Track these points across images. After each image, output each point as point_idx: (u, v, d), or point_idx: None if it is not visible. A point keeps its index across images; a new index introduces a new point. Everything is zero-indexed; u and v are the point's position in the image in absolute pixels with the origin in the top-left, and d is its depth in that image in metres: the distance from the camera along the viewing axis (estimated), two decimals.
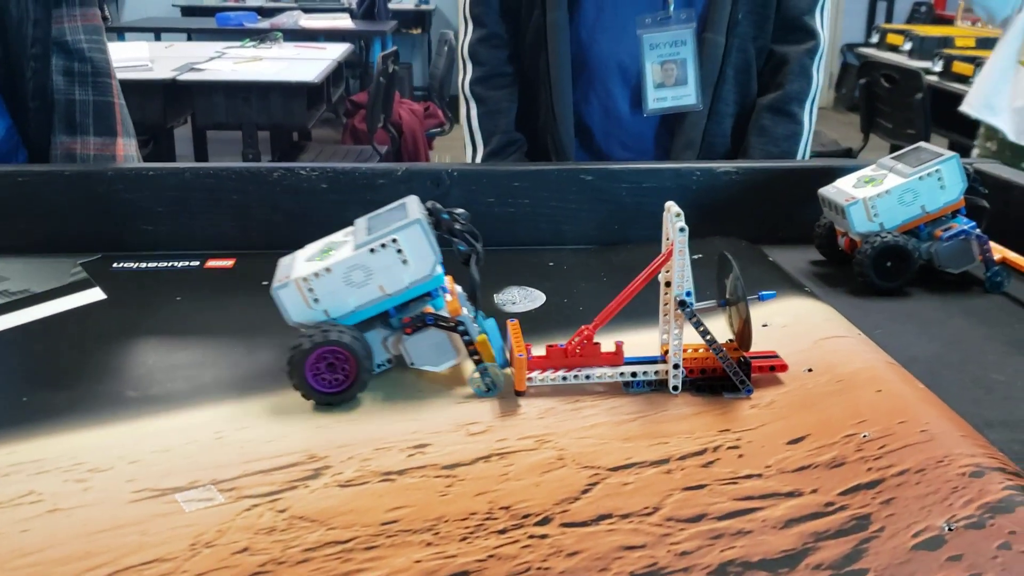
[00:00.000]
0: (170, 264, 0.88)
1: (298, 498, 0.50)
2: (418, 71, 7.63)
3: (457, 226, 0.64)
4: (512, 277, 0.85)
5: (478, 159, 1.31)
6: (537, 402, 0.61)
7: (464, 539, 0.47)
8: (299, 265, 0.63)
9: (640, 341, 0.66)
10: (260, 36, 4.40)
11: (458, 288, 0.67)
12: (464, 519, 0.48)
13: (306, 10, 6.11)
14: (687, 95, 1.21)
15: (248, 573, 0.44)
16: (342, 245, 0.63)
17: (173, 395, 0.63)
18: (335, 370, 0.60)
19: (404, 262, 0.61)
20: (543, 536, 0.47)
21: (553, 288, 0.83)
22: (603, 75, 1.27)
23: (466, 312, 0.63)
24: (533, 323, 0.75)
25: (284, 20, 5.53)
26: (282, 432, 0.57)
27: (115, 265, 0.87)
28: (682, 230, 0.59)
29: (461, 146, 1.39)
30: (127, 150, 1.16)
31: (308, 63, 3.72)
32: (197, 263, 0.88)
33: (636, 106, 1.24)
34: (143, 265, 0.88)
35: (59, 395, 0.63)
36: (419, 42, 7.95)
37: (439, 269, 0.62)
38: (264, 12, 6.23)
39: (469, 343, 0.62)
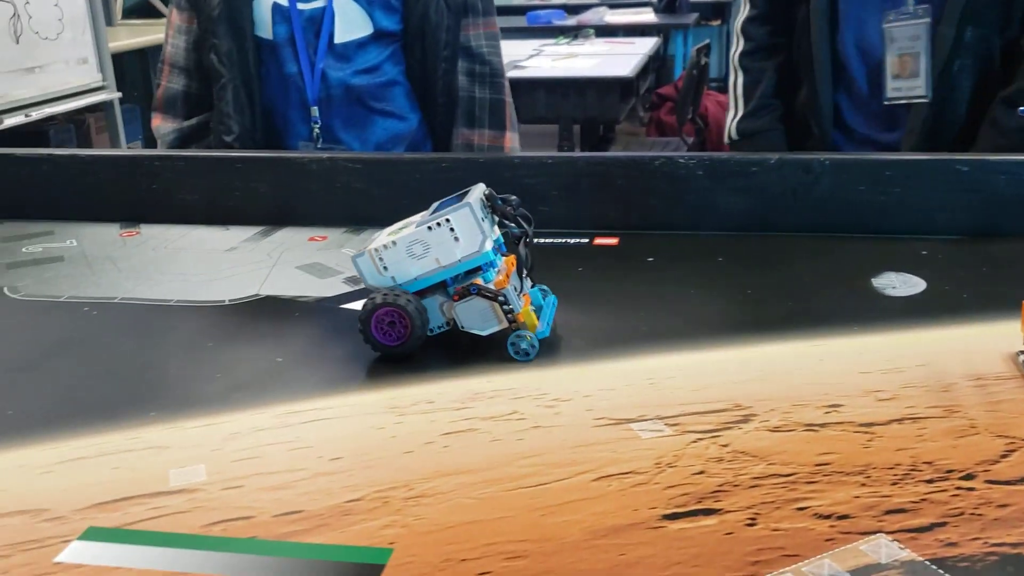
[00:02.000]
0: (563, 240, 1.00)
1: (735, 437, 0.59)
2: (715, 62, 7.56)
3: (510, 210, 0.74)
4: (887, 263, 0.88)
5: (735, 121, 1.44)
6: (936, 375, 0.65)
7: (895, 484, 0.53)
8: (378, 238, 0.74)
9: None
10: (573, 33, 4.61)
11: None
12: (891, 468, 0.54)
13: (611, 6, 6.28)
14: (917, 87, 1.29)
15: (709, 491, 0.53)
16: (413, 223, 0.74)
17: (601, 345, 0.74)
18: (395, 327, 0.70)
19: (456, 239, 0.70)
20: (970, 489, 0.52)
21: (931, 276, 0.86)
22: (847, 62, 1.35)
23: (512, 286, 0.71)
24: (919, 307, 0.79)
25: (591, 16, 5.73)
26: (705, 383, 0.66)
27: None
28: None
29: None
30: (513, 143, 1.32)
31: (620, 58, 3.85)
32: (586, 240, 1.00)
33: (874, 92, 1.33)
34: (541, 240, 1.01)
35: None
36: (717, 33, 7.87)
37: (488, 247, 0.70)
38: (571, 9, 6.47)
39: (508, 312, 0.70)
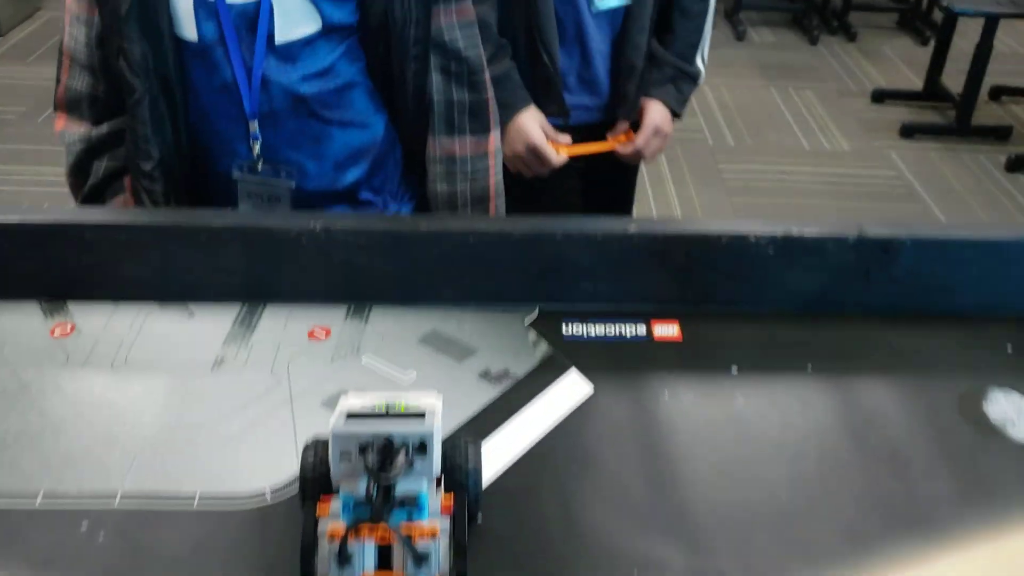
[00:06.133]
0: (619, 334, 0.87)
1: None
2: None
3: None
4: None
5: None
6: None
7: None
8: None
9: None
10: None
11: None
12: None
13: None
14: None
15: None
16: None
17: None
18: None
19: None
20: None
21: None
22: None
23: None
24: None
25: None
26: None
27: None
28: None
29: None
30: (496, 142, 1.13)
31: None
32: (643, 324, 0.88)
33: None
34: (589, 336, 0.87)
35: None
36: None
37: None
38: None
39: None
